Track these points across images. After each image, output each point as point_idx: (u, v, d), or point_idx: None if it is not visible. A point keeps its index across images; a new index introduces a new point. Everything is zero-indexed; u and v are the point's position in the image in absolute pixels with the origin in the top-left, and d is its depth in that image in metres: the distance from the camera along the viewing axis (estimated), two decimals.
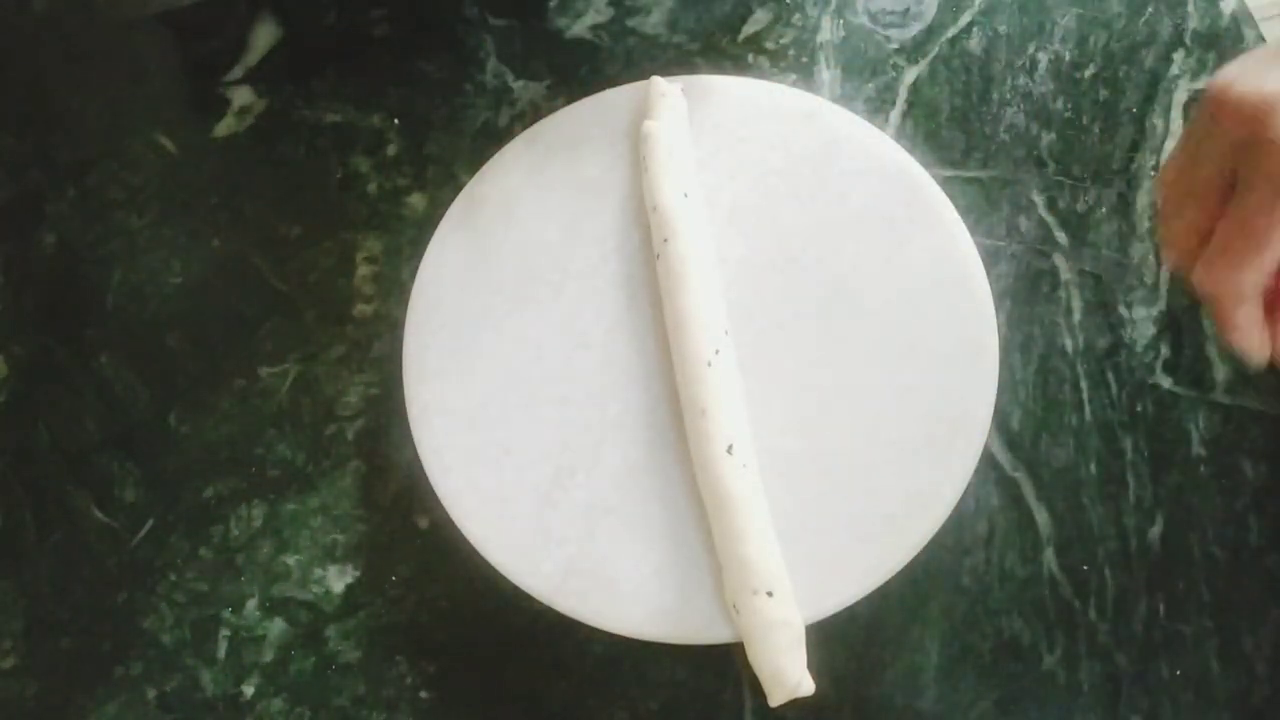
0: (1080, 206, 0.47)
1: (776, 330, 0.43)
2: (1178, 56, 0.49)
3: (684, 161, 0.45)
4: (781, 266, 0.44)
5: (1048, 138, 0.48)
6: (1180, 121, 0.48)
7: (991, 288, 0.43)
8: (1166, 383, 0.44)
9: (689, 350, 0.41)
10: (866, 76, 0.50)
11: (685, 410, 0.41)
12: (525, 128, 0.48)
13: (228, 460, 0.46)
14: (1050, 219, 0.47)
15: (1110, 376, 0.44)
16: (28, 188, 0.52)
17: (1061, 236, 0.46)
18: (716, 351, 0.41)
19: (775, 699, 0.37)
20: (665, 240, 0.43)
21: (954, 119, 0.49)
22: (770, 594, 0.37)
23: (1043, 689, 0.40)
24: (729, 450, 0.39)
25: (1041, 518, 0.42)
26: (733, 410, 0.40)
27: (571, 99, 0.48)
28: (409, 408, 0.43)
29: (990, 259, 0.45)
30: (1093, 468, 0.43)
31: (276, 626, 0.43)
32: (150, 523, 0.45)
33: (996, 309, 0.43)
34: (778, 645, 0.37)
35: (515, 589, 0.40)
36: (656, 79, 0.47)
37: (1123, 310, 0.45)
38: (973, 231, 0.44)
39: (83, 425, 0.47)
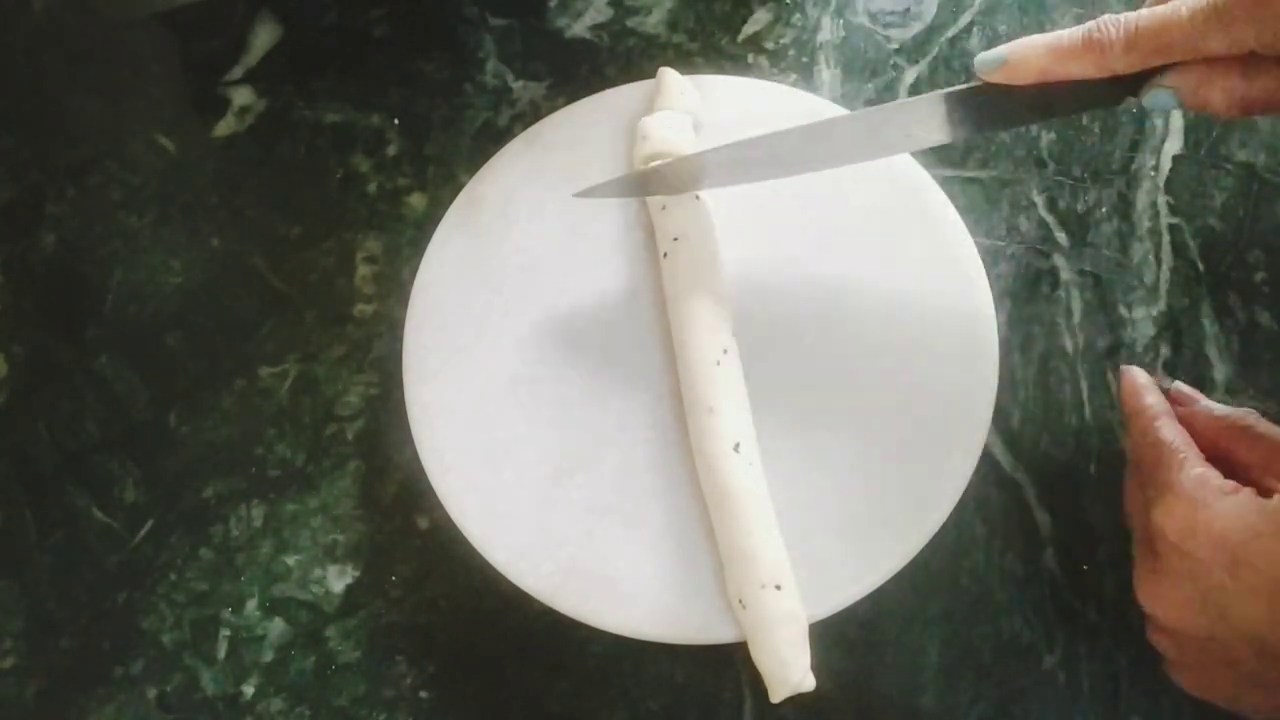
0: (1080, 206, 0.47)
1: (776, 330, 0.43)
2: None
3: None
4: (781, 266, 0.44)
5: (1048, 138, 0.48)
6: (1180, 121, 0.48)
7: (991, 288, 0.43)
8: (1167, 383, 0.43)
9: (697, 349, 0.41)
10: (866, 76, 0.50)
11: (690, 409, 0.41)
12: (525, 128, 0.48)
13: (228, 460, 0.46)
14: (1050, 219, 0.47)
15: (1110, 376, 0.44)
16: (28, 188, 0.52)
17: (1061, 236, 0.47)
18: (725, 351, 0.41)
19: (777, 694, 0.37)
20: (675, 239, 0.43)
21: None
22: (779, 588, 0.37)
23: (1043, 689, 0.40)
24: (735, 448, 0.39)
25: (1041, 518, 0.42)
26: (740, 409, 0.40)
27: (571, 99, 0.48)
28: (409, 408, 0.43)
29: (990, 259, 0.45)
30: (1093, 468, 0.43)
31: (276, 626, 0.43)
32: (150, 523, 0.45)
33: (996, 309, 0.42)
34: (784, 639, 0.37)
35: (515, 589, 0.40)
36: (667, 70, 0.47)
37: (1123, 310, 0.45)
38: (973, 231, 0.44)
39: (83, 425, 0.47)
